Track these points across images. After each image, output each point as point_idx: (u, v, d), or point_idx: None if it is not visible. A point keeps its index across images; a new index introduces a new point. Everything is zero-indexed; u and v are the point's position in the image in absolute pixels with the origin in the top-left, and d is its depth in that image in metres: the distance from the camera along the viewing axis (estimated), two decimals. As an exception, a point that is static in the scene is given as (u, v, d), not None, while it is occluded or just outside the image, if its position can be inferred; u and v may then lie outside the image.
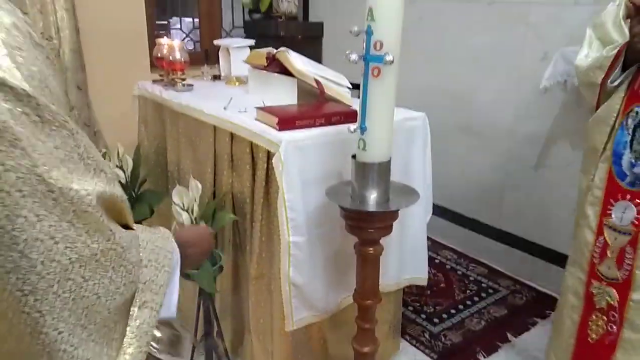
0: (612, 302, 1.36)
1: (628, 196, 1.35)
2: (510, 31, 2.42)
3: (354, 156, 1.41)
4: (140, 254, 0.67)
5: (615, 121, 1.39)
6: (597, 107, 1.46)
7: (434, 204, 1.93)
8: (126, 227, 0.67)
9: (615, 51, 1.34)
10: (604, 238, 1.39)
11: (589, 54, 1.45)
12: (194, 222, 1.68)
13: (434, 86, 2.81)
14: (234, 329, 2.00)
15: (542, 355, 2.06)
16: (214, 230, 0.98)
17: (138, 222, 2.05)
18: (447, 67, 2.75)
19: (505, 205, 2.66)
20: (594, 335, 1.40)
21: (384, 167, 1.39)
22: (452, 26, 2.69)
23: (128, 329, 0.64)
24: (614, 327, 1.35)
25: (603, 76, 1.38)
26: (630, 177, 1.35)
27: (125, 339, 0.63)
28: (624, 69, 1.36)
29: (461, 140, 2.76)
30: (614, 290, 1.36)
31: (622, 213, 1.35)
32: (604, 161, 1.41)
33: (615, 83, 1.38)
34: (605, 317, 1.38)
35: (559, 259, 2.45)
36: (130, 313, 0.65)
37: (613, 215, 1.37)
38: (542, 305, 2.41)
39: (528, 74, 2.37)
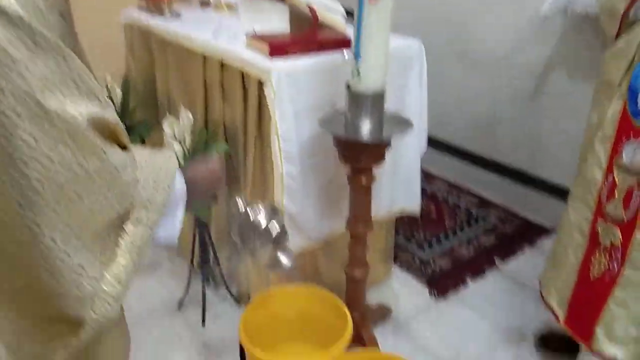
0: (615, 242, 1.34)
1: None
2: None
3: (347, 85, 1.38)
4: (137, 174, 0.69)
5: (634, 55, 1.29)
6: (616, 38, 1.37)
7: (428, 135, 1.93)
8: (124, 148, 0.69)
9: None
10: (613, 177, 1.34)
11: None
12: (187, 153, 1.67)
13: (431, 12, 2.71)
14: (230, 256, 2.05)
15: (528, 281, 2.15)
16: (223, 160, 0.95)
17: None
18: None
19: (500, 135, 2.66)
20: (595, 273, 1.40)
21: (379, 97, 1.37)
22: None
23: (122, 242, 0.68)
24: (616, 265, 1.35)
25: (627, 5, 1.29)
26: None
27: (118, 251, 0.67)
28: None
29: (457, 69, 2.71)
30: (619, 230, 1.33)
31: (633, 153, 1.29)
32: (618, 97, 1.33)
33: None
34: (607, 256, 1.36)
35: (550, 189, 2.49)
36: (124, 228, 0.68)
37: (623, 155, 1.31)
38: (530, 234, 2.47)
39: (526, 1, 2.29)
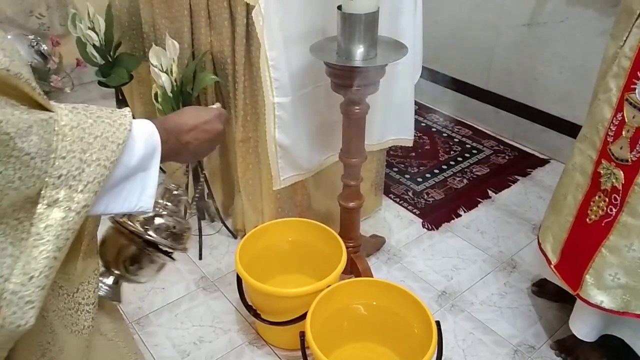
0: (617, 185, 1.28)
1: None
2: None
3: (339, 7, 1.32)
4: (54, 143, 0.56)
5: None
6: None
7: (422, 67, 1.87)
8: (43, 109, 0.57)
9: None
10: (623, 114, 1.26)
11: None
12: (174, 83, 1.63)
13: None
14: (224, 190, 2.05)
15: (520, 211, 2.17)
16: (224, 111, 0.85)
17: (118, 87, 1.94)
18: None
19: (495, 65, 2.60)
20: (592, 216, 1.35)
21: (371, 18, 1.31)
22: None
23: (32, 229, 0.55)
24: (614, 210, 1.29)
25: None
26: None
27: (31, 240, 0.55)
28: None
29: (453, -3, 2.61)
30: (622, 173, 1.27)
31: None
32: (639, 26, 1.22)
33: None
34: (607, 199, 1.31)
35: (543, 118, 2.48)
36: (38, 211, 0.56)
37: (637, 91, 1.22)
38: (524, 164, 2.48)
39: None
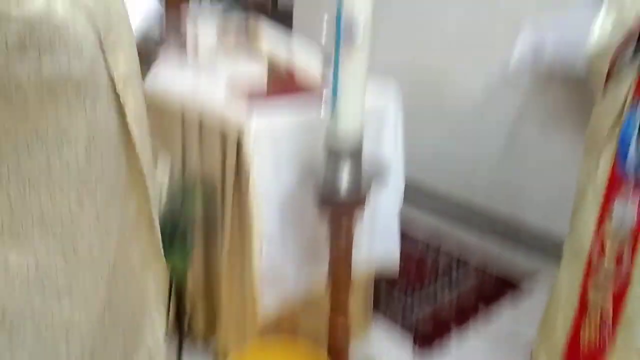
0: (606, 307, 1.29)
1: (631, 191, 1.25)
2: (480, 11, 2.39)
3: (325, 137, 1.38)
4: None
5: (623, 107, 1.26)
6: (603, 93, 1.33)
7: (406, 184, 1.92)
8: None
9: (625, 32, 1.22)
10: (604, 235, 1.28)
11: (604, 24, 1.30)
12: (160, 212, 1.63)
13: (406, 65, 2.77)
14: (207, 311, 1.98)
15: (511, 327, 2.12)
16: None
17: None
18: (417, 46, 2.71)
19: (478, 185, 2.68)
20: (586, 339, 1.34)
21: (356, 151, 1.37)
22: (422, 3, 2.64)
23: (115, 78, 0.70)
24: (607, 332, 1.28)
25: (613, 55, 1.26)
26: (635, 171, 1.24)
27: (119, 91, 0.70)
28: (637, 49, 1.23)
29: (433, 119, 2.76)
30: (610, 292, 1.27)
31: (624, 209, 1.25)
32: (608, 150, 1.28)
33: (626, 64, 1.25)
34: (598, 321, 1.30)
35: (529, 234, 2.51)
36: (110, 61, 0.69)
37: (614, 211, 1.26)
38: (512, 285, 2.43)
39: (499, 47, 2.35)
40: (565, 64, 1.92)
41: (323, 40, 1.24)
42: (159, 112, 1.85)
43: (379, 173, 1.50)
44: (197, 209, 1.64)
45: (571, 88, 2.09)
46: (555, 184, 2.33)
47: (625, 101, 1.26)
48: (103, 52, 0.67)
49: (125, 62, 0.70)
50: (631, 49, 1.23)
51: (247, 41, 1.93)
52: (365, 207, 1.45)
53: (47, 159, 0.65)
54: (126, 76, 0.71)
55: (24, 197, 0.65)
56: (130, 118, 0.74)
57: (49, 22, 0.59)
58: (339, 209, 1.38)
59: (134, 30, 0.75)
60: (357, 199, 1.40)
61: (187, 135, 1.73)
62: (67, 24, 0.61)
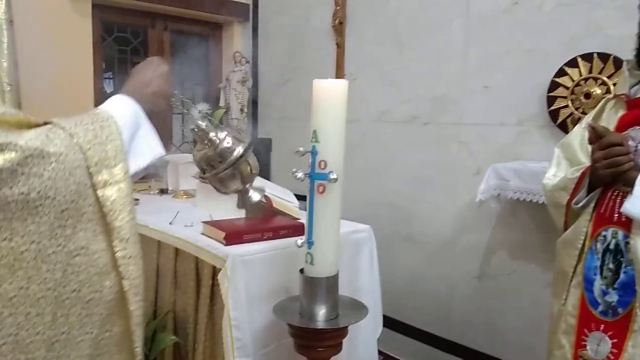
0: None
1: (602, 327, 1.24)
2: (444, 149, 2.60)
3: (301, 270, 1.40)
4: (79, 139, 0.74)
5: (583, 244, 1.31)
6: (566, 228, 1.40)
7: (384, 316, 1.91)
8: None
9: (579, 173, 1.34)
10: None
11: (557, 173, 1.44)
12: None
13: (378, 199, 2.91)
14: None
15: None
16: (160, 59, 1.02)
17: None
18: (388, 182, 2.88)
19: (454, 315, 2.67)
20: None
21: (332, 281, 1.39)
22: (391, 144, 2.87)
23: (105, 209, 0.74)
24: None
25: (568, 197, 1.36)
26: (602, 306, 1.24)
27: (109, 218, 0.74)
28: (589, 191, 1.32)
29: (406, 251, 2.82)
30: None
31: (597, 345, 1.24)
32: (575, 286, 1.32)
33: (580, 205, 1.34)
34: None
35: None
36: (99, 195, 0.74)
37: (588, 347, 1.25)
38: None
39: (463, 188, 2.52)
40: (530, 192, 2.05)
41: (299, 175, 1.33)
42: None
43: (357, 303, 1.51)
44: (169, 340, 1.59)
45: (537, 212, 2.20)
46: (529, 316, 2.34)
47: (586, 236, 1.32)
48: (92, 183, 0.75)
49: (117, 192, 0.77)
50: (585, 186, 1.34)
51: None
52: (345, 335, 1.43)
53: (28, 278, 0.68)
54: (118, 203, 0.77)
55: (3, 320, 0.67)
56: (116, 240, 0.77)
57: (43, 155, 0.68)
58: (316, 338, 1.36)
59: (138, 166, 0.86)
60: (335, 330, 1.39)
61: (162, 264, 1.74)
62: (60, 158, 0.71)
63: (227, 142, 1.08)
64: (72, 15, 2.77)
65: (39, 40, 2.57)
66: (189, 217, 1.87)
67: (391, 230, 2.81)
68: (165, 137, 3.58)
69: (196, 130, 1.11)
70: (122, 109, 0.86)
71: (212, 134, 1.10)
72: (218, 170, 1.07)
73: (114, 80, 3.42)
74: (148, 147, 0.88)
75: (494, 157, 2.36)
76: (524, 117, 2.26)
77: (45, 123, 0.75)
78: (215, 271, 1.53)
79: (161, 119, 3.50)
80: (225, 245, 1.55)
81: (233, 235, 1.59)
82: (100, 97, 3.00)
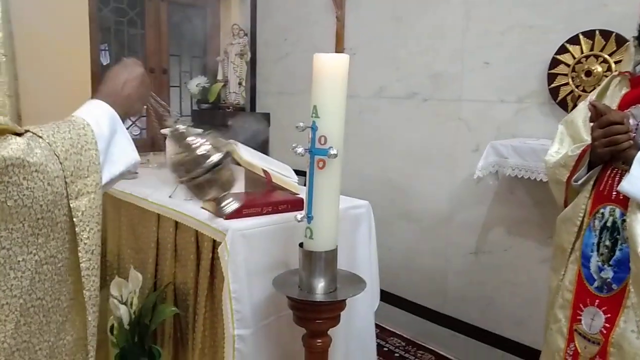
0: None
1: (597, 302, 1.26)
2: (443, 125, 2.60)
3: (301, 244, 1.42)
4: (57, 148, 0.75)
5: (582, 221, 1.34)
6: (565, 205, 1.42)
7: (380, 290, 1.94)
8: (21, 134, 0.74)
9: (579, 151, 1.35)
10: (575, 345, 1.30)
11: (560, 150, 1.45)
12: (132, 315, 1.60)
13: (376, 175, 2.92)
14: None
15: None
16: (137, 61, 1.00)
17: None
18: (386, 158, 2.89)
19: (449, 290, 2.71)
20: None
21: (331, 255, 1.40)
22: (389, 120, 2.86)
23: (75, 220, 0.75)
24: None
25: (568, 175, 1.38)
26: (598, 282, 1.27)
27: (78, 228, 0.75)
28: (589, 169, 1.34)
29: (403, 227, 2.84)
30: None
31: (591, 320, 1.27)
32: (573, 262, 1.34)
33: (579, 182, 1.35)
34: None
35: (500, 343, 2.49)
36: (72, 206, 0.75)
37: (582, 322, 1.29)
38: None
39: (462, 164, 2.53)
40: (528, 170, 2.07)
41: (299, 150, 1.33)
42: (136, 213, 1.88)
43: (355, 277, 1.53)
44: (169, 311, 1.61)
45: (535, 189, 2.22)
46: (524, 291, 2.38)
47: (585, 213, 1.34)
48: (67, 193, 0.75)
49: (88, 203, 0.78)
50: (585, 164, 1.35)
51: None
52: (343, 308, 1.45)
53: None
54: (87, 214, 0.77)
55: None
56: (82, 251, 0.78)
57: (21, 165, 0.69)
58: (314, 310, 1.38)
59: (113, 173, 0.85)
60: (333, 303, 1.41)
61: (162, 237, 1.75)
62: (38, 168, 0.71)
63: (205, 149, 1.03)
64: (67, -16, 2.72)
65: (33, 10, 2.53)
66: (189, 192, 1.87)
67: (389, 205, 2.83)
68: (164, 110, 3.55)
69: (174, 132, 1.06)
70: (98, 115, 0.85)
71: (190, 139, 1.05)
72: (193, 175, 1.02)
73: (109, 52, 3.38)
74: (124, 153, 0.87)
75: (493, 134, 2.37)
76: (524, 94, 2.26)
77: (26, 131, 0.75)
78: (215, 244, 1.54)
79: (159, 93, 3.48)
80: (225, 219, 1.56)
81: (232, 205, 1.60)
82: (96, 69, 2.97)
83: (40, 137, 0.75)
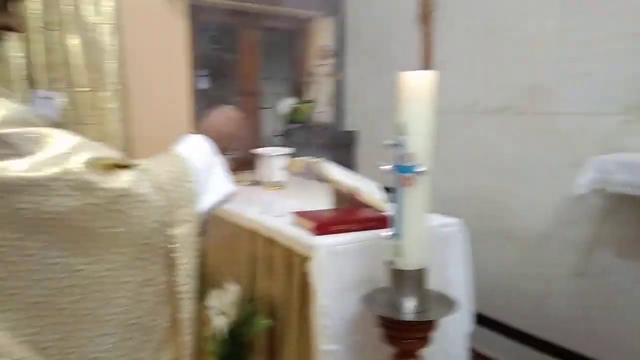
0: None
1: None
2: (539, 140, 2.47)
3: (389, 263, 1.41)
4: (161, 180, 0.82)
5: None
6: None
7: (475, 313, 1.87)
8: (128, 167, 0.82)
9: None
10: None
11: None
12: (229, 326, 1.68)
13: (469, 192, 2.83)
14: None
15: None
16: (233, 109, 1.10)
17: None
18: (480, 174, 2.79)
19: (550, 314, 2.54)
20: None
21: (420, 275, 1.39)
22: (482, 135, 2.77)
23: (174, 246, 0.81)
24: None
25: None
26: None
27: (176, 254, 0.82)
28: None
29: (499, 246, 2.72)
30: None
31: None
32: None
33: None
34: None
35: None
36: (171, 233, 0.82)
37: None
38: None
39: (561, 180, 2.38)
40: (637, 187, 1.90)
41: (385, 167, 1.34)
42: (233, 231, 1.98)
43: (446, 298, 1.49)
44: (263, 323, 1.67)
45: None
46: (633, 317, 2.17)
47: None
48: (169, 222, 0.82)
49: (186, 230, 0.84)
50: None
51: (314, 174, 2.09)
52: (434, 329, 1.43)
53: (103, 300, 0.77)
54: (185, 242, 0.84)
55: (76, 334, 0.75)
56: (180, 276, 0.84)
57: (130, 195, 0.77)
58: (404, 330, 1.37)
59: (210, 203, 0.93)
60: (423, 322, 1.39)
61: (256, 251, 1.83)
62: (145, 198, 0.79)
63: None
64: (170, 17, 2.96)
65: (141, 42, 2.78)
66: (280, 208, 1.95)
67: (483, 223, 2.73)
68: (257, 131, 3.73)
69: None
70: (199, 149, 0.95)
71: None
72: None
73: (207, 77, 3.60)
74: (220, 185, 0.95)
75: (594, 148, 2.21)
76: (628, 105, 2.10)
77: (135, 165, 0.84)
78: (305, 260, 1.58)
79: (252, 115, 3.66)
80: (314, 235, 1.60)
81: (321, 226, 1.64)
82: (195, 93, 3.19)
83: (147, 170, 0.83)
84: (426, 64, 2.98)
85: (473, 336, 1.85)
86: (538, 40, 2.45)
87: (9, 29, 0.83)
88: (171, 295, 0.84)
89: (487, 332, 2.78)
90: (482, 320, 2.71)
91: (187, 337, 0.87)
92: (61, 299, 0.73)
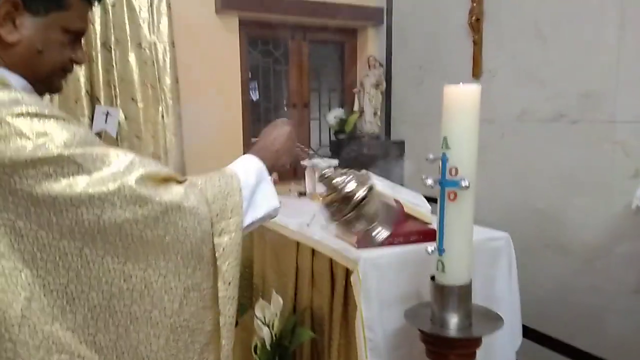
0: None
1: None
2: (596, 149, 2.37)
3: (432, 277, 1.40)
4: (207, 194, 0.88)
5: None
6: None
7: (525, 327, 1.82)
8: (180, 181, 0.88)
9: None
10: None
11: None
12: (274, 337, 1.71)
13: (521, 204, 2.75)
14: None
15: None
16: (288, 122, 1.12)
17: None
18: (532, 185, 2.70)
19: (606, 330, 2.42)
20: None
21: (465, 290, 1.37)
22: (534, 145, 2.69)
23: (217, 254, 0.87)
24: None
25: None
26: None
27: (219, 261, 0.87)
28: None
29: (553, 260, 2.62)
30: None
31: None
32: None
33: None
34: None
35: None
36: (215, 242, 0.87)
37: None
38: None
39: (619, 192, 2.27)
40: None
41: (428, 181, 1.33)
42: (278, 239, 2.02)
43: (492, 314, 1.46)
44: (306, 335, 1.69)
45: None
46: None
47: None
48: (213, 232, 0.88)
49: (229, 240, 0.89)
50: None
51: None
52: (478, 346, 1.40)
53: (152, 304, 0.83)
54: (227, 250, 0.89)
55: (129, 334, 0.82)
56: (220, 282, 0.89)
57: (180, 208, 0.83)
58: (448, 346, 1.35)
59: (255, 217, 0.96)
60: (466, 339, 1.36)
61: (301, 263, 1.86)
62: (193, 211, 0.85)
63: (350, 187, 1.12)
64: (222, 32, 3.06)
65: (194, 57, 2.89)
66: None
67: (536, 236, 2.64)
68: (304, 143, 3.77)
69: (324, 177, 1.18)
70: (247, 166, 0.99)
71: (335, 180, 1.15)
72: (344, 214, 1.11)
73: (258, 89, 3.69)
74: (266, 200, 0.98)
75: (656, 157, 2.10)
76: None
77: (185, 180, 0.90)
78: (348, 272, 1.60)
79: (301, 126, 3.71)
80: (357, 248, 1.61)
81: (365, 239, 1.64)
82: (247, 104, 3.28)
83: (195, 185, 0.89)
84: (475, 72, 2.93)
85: (522, 351, 1.79)
86: (594, 45, 2.36)
87: (76, 62, 0.93)
88: (214, 300, 0.89)
89: (537, 347, 2.68)
90: (533, 334, 2.61)
91: (225, 340, 0.91)
92: (116, 303, 0.80)
